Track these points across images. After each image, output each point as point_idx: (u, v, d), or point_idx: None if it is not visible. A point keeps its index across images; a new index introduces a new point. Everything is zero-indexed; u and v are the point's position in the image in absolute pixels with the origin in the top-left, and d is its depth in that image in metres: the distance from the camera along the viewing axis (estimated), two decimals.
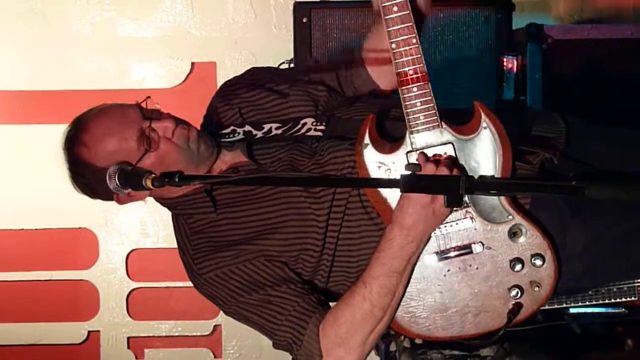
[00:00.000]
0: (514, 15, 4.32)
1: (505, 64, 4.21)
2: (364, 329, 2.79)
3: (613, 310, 3.26)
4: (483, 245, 2.75)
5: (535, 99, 4.15)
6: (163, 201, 3.04)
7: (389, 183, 2.57)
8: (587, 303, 3.18)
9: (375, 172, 2.72)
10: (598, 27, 4.37)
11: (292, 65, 4.44)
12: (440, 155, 2.68)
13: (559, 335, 3.15)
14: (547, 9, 4.90)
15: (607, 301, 3.20)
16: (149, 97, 2.90)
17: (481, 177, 2.63)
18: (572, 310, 3.21)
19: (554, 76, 4.17)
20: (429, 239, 2.74)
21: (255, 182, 2.91)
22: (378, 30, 2.99)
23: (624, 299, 3.17)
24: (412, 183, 2.45)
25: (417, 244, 2.72)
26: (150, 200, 3.04)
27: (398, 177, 2.42)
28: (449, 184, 2.42)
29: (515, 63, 4.19)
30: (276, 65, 4.56)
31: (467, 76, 4.28)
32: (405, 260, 2.73)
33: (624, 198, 2.21)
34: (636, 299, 3.16)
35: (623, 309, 3.24)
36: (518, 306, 2.79)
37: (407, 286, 2.78)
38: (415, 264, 2.76)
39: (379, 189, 2.75)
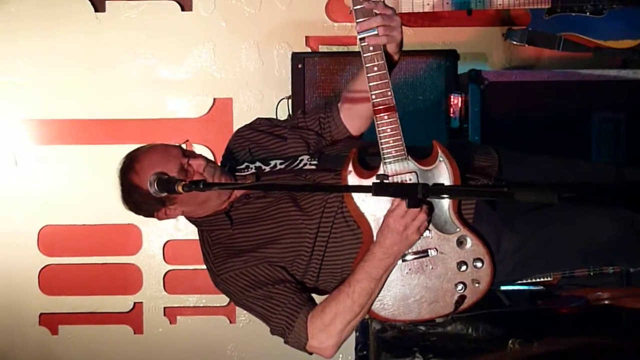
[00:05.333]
0: (458, 63, 4.32)
1: (452, 100, 4.20)
2: (343, 320, 2.79)
3: (534, 288, 3.24)
4: (437, 250, 2.79)
5: (475, 127, 4.15)
6: (192, 220, 3.02)
7: (365, 189, 2.57)
8: (515, 283, 3.16)
9: (355, 192, 2.77)
10: (523, 72, 4.39)
11: (289, 101, 4.42)
12: (406, 180, 2.71)
13: (494, 306, 3.13)
14: (484, 59, 4.88)
15: (529, 281, 3.18)
16: (187, 140, 2.93)
17: (434, 184, 2.65)
18: (502, 288, 3.19)
19: (489, 110, 4.16)
20: None
21: (259, 188, 2.93)
22: (357, 79, 3.02)
23: (542, 279, 3.16)
24: (381, 188, 2.48)
25: (392, 259, 2.75)
26: None
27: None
28: (409, 190, 2.45)
29: (460, 99, 4.19)
30: (277, 101, 4.57)
31: (423, 109, 4.26)
32: (382, 270, 2.75)
33: (543, 200, 2.22)
34: (551, 279, 3.15)
35: (542, 287, 3.23)
36: (462, 297, 2.82)
37: (380, 289, 2.79)
38: (389, 273, 2.78)
39: (359, 206, 2.75)
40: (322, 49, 4.87)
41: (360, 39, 2.69)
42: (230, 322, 5.04)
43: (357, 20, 2.69)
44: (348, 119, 3.07)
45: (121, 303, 5.05)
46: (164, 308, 5.05)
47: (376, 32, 2.68)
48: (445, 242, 2.77)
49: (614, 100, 4.22)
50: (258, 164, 2.99)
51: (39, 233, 4.99)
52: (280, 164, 2.97)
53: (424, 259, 2.78)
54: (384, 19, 2.69)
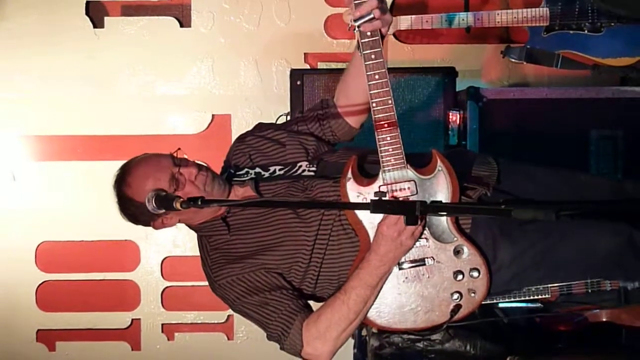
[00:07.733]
0: (457, 80, 4.31)
1: (450, 117, 4.20)
2: (339, 327, 2.79)
3: (532, 305, 3.24)
4: (434, 259, 2.77)
5: (473, 144, 4.14)
6: (190, 226, 3.02)
7: (363, 206, 2.58)
8: (513, 299, 3.15)
9: (354, 200, 2.74)
10: (521, 90, 4.40)
11: (288, 117, 4.42)
12: (405, 189, 2.70)
13: (492, 323, 3.12)
14: (483, 76, 4.90)
15: (527, 298, 3.17)
16: (179, 148, 2.90)
17: (432, 201, 2.65)
18: (500, 305, 3.18)
19: (487, 127, 4.16)
20: None
21: (256, 204, 2.91)
22: (350, 69, 2.98)
23: (540, 297, 3.15)
24: (379, 206, 2.46)
25: (388, 266, 2.74)
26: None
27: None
28: (407, 207, 2.42)
29: (458, 116, 4.19)
30: (276, 117, 4.53)
31: (423, 126, 4.25)
32: (378, 277, 2.74)
33: (539, 218, 2.22)
34: (549, 296, 3.14)
35: (540, 304, 3.22)
36: (458, 307, 2.81)
37: (376, 297, 2.78)
38: (385, 281, 2.77)
39: (357, 214, 2.75)
40: (321, 65, 4.88)
41: (358, 27, 2.63)
42: (228, 339, 5.03)
43: (355, 2, 2.62)
44: (345, 108, 3.05)
45: (119, 319, 5.03)
46: (162, 324, 5.03)
47: (372, 16, 2.62)
48: (442, 251, 2.76)
49: (612, 117, 4.22)
50: (257, 169, 3.00)
51: (36, 249, 4.98)
52: (279, 170, 2.97)
53: (420, 268, 2.77)
54: (379, 1, 2.65)
